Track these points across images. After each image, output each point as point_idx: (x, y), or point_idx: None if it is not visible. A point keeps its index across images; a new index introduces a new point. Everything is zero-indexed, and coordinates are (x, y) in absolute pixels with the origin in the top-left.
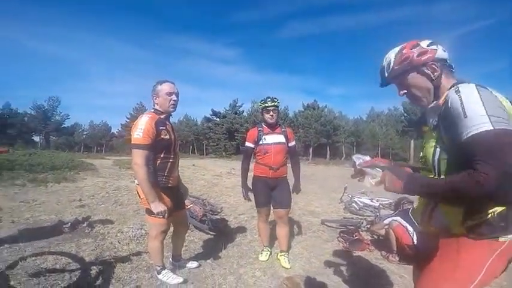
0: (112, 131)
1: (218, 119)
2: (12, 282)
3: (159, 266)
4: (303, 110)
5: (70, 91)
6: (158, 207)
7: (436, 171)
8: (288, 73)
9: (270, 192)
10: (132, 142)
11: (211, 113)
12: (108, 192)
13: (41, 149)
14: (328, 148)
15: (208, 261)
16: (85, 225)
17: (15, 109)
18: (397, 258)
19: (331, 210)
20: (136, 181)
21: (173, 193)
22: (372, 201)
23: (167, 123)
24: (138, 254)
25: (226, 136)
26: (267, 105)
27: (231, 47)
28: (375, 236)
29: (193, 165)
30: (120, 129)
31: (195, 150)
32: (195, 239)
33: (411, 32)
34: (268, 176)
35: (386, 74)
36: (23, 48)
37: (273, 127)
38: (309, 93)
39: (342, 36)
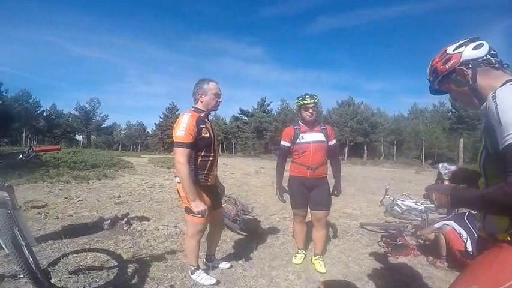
0: (147, 130)
1: (246, 118)
2: (53, 280)
3: (193, 266)
4: (337, 107)
5: (109, 93)
6: (199, 206)
7: (484, 175)
8: (318, 69)
9: (308, 193)
10: (174, 140)
11: (239, 111)
12: (145, 190)
13: (83, 147)
14: (365, 147)
15: (239, 262)
16: (123, 222)
17: (61, 110)
18: (446, 264)
19: (370, 213)
20: (177, 179)
21: (212, 192)
22: (416, 204)
23: (207, 121)
24: (173, 252)
25: (254, 135)
26: (305, 102)
27: (258, 45)
28: (421, 241)
29: (223, 163)
30: (154, 128)
31: (224, 149)
32: (226, 238)
33: (456, 21)
34: (306, 176)
35: (429, 87)
36: (67, 54)
37: (311, 125)
38: (343, 89)
39: (378, 27)
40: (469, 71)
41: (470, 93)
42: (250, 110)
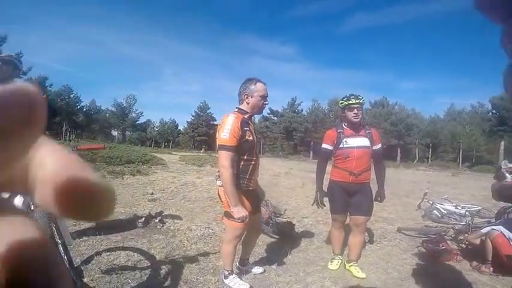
0: (179, 128)
1: (276, 118)
2: (86, 279)
3: (227, 271)
4: (370, 108)
5: (145, 90)
6: (240, 212)
7: None
8: (351, 68)
9: (349, 199)
10: (218, 143)
11: (268, 111)
12: (177, 187)
13: (118, 142)
14: (398, 150)
15: (272, 266)
16: (157, 220)
17: (99, 106)
18: (491, 269)
19: (406, 217)
20: (218, 182)
21: (252, 196)
22: (456, 208)
23: (250, 123)
24: (206, 254)
25: (283, 135)
26: (351, 102)
27: (289, 44)
28: (463, 246)
29: None
30: (186, 126)
31: None
32: (259, 242)
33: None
34: (348, 181)
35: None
36: (108, 51)
37: (356, 128)
38: (376, 89)
39: (414, 25)
40: None
41: None
42: (280, 110)
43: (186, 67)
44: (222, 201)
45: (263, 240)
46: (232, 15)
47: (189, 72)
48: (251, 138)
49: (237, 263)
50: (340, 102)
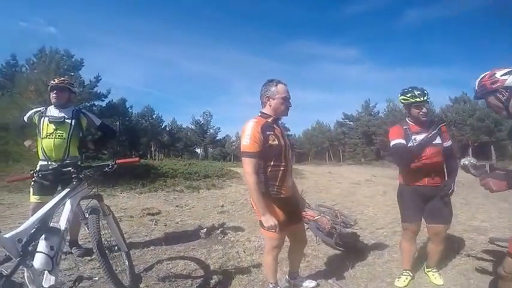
0: None
1: (352, 123)
2: (142, 285)
3: (271, 283)
4: (451, 104)
5: (218, 105)
6: (269, 220)
7: None
8: (421, 66)
9: (423, 205)
10: (241, 150)
11: (343, 116)
12: (247, 199)
13: (201, 159)
14: (492, 148)
15: (329, 281)
16: (219, 231)
17: (180, 124)
18: None
19: (503, 226)
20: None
21: (287, 205)
22: None
23: (275, 127)
24: (258, 266)
25: (363, 141)
26: (418, 100)
27: (352, 45)
28: None
29: (329, 172)
30: None
31: (331, 157)
32: (319, 254)
33: None
34: (424, 184)
35: (474, 94)
36: (181, 70)
37: (424, 125)
38: (453, 85)
39: (484, 14)
40: (507, 94)
41: (503, 110)
42: (354, 114)
43: (254, 79)
44: (254, 209)
45: (325, 252)
46: (290, 23)
47: (258, 83)
48: (276, 142)
49: (287, 276)
50: (403, 98)
